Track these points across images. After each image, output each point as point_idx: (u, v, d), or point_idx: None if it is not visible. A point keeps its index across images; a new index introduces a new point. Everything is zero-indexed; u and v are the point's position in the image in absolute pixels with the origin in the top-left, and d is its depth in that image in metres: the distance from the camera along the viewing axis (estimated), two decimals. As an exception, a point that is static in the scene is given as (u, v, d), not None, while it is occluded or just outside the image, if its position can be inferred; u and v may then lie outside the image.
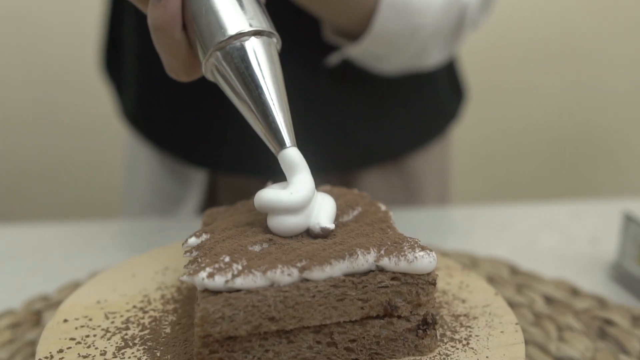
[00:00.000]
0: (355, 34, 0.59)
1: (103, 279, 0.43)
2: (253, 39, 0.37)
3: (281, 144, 0.36)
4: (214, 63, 0.37)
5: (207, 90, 0.63)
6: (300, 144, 0.36)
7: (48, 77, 1.50)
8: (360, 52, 0.60)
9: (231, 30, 0.36)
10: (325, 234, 0.35)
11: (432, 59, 0.64)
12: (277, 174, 0.39)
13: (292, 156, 0.36)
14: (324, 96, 0.67)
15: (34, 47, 1.48)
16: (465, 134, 1.15)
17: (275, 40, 0.38)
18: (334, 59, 0.63)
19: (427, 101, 0.74)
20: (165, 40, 0.38)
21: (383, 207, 0.40)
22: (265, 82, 0.36)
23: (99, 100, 1.34)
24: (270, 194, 0.35)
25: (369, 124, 0.70)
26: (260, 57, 0.36)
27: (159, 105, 0.72)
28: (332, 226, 0.35)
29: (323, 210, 0.36)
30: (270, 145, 0.36)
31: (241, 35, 0.36)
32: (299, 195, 0.35)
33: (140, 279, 0.43)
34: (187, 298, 0.41)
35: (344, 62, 0.63)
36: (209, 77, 0.38)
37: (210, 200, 0.76)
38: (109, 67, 0.79)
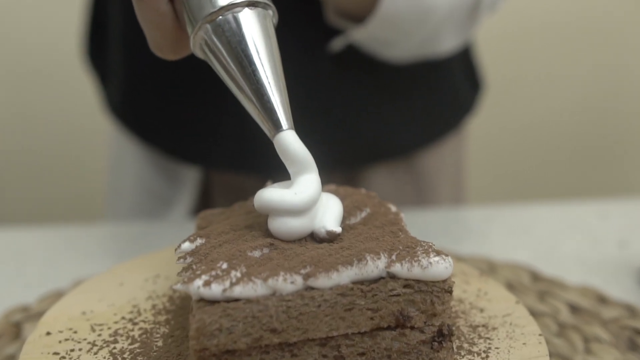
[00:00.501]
0: (360, 16, 0.59)
1: (88, 288, 0.43)
2: (246, 10, 0.36)
3: (277, 126, 0.35)
4: (204, 37, 0.37)
5: (199, 76, 0.63)
6: (299, 137, 0.36)
7: (25, 68, 1.50)
8: (366, 36, 0.60)
9: (222, 0, 0.36)
10: (331, 237, 0.35)
11: (446, 45, 0.64)
12: (277, 172, 0.39)
13: (288, 140, 0.35)
14: (327, 85, 0.67)
15: (10, 35, 1.48)
16: (482, 128, 1.14)
17: (272, 13, 0.38)
18: (337, 44, 0.63)
19: (440, 92, 0.74)
20: (149, 13, 0.37)
21: (393, 208, 0.40)
22: (259, 58, 0.36)
23: (81, 93, 1.34)
24: (272, 194, 0.35)
25: (375, 116, 0.70)
26: (255, 31, 0.36)
27: (146, 94, 0.71)
28: (338, 229, 0.35)
29: (329, 212, 0.36)
30: (265, 128, 0.36)
31: (233, 5, 0.36)
32: (304, 195, 0.34)
33: (128, 287, 0.43)
34: (181, 308, 0.41)
35: (348, 47, 0.63)
36: (198, 53, 0.38)
37: (204, 201, 0.76)
38: (92, 54, 0.79)
